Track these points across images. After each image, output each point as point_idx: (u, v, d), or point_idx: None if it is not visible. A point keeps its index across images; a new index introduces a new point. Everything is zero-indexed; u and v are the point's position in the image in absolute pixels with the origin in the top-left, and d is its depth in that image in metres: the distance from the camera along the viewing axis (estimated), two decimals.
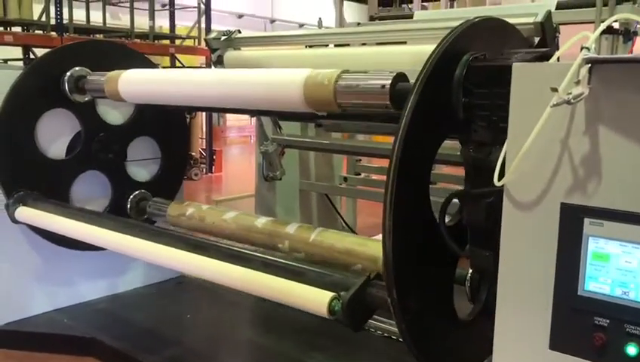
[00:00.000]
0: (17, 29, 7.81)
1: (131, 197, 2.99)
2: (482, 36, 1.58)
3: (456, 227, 1.61)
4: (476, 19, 1.56)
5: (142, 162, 3.08)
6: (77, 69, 2.71)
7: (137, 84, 2.41)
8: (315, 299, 1.60)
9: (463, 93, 1.48)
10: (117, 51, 2.99)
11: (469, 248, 1.58)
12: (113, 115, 2.94)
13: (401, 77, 1.67)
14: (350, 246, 2.02)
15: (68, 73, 2.70)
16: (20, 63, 7.21)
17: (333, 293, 1.57)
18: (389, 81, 1.65)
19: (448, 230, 1.55)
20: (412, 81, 1.53)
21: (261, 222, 2.36)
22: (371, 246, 1.95)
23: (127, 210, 2.97)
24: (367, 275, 1.60)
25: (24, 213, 2.60)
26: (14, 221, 2.63)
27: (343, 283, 1.61)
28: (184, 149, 3.37)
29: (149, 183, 3.07)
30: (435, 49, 1.45)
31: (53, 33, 7.61)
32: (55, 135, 2.80)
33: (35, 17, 7.95)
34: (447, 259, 1.61)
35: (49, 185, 2.76)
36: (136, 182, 3.04)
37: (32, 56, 7.78)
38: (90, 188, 2.92)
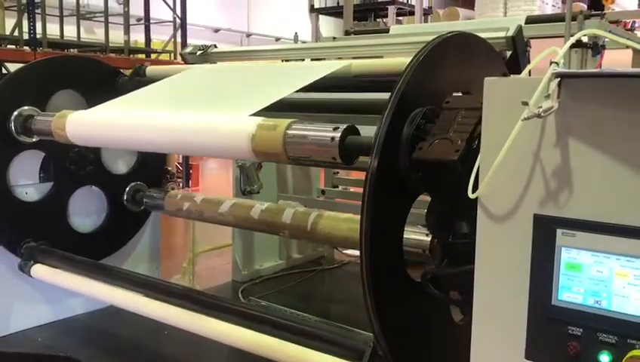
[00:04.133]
0: None
1: (127, 189, 3.02)
2: (449, 58, 1.61)
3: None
4: (433, 44, 1.56)
5: (120, 156, 3.04)
6: (25, 108, 2.56)
7: (84, 126, 2.29)
8: None
9: (414, 169, 1.47)
10: (83, 66, 2.95)
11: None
12: None
13: (350, 130, 1.62)
14: (347, 233, 2.15)
15: (15, 113, 2.54)
16: None
17: None
18: (339, 135, 1.61)
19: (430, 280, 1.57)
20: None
21: (256, 212, 2.45)
22: None
23: (124, 204, 3.02)
24: (371, 343, 1.63)
25: (39, 271, 2.65)
26: (31, 276, 2.67)
27: (353, 347, 1.72)
28: None
29: (133, 173, 3.06)
30: (384, 113, 1.44)
31: (27, 48, 7.51)
32: (27, 173, 2.73)
33: (8, 32, 7.85)
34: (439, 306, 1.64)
35: (48, 226, 2.74)
36: (121, 176, 3.04)
37: (4, 71, 7.67)
38: (85, 203, 2.93)
